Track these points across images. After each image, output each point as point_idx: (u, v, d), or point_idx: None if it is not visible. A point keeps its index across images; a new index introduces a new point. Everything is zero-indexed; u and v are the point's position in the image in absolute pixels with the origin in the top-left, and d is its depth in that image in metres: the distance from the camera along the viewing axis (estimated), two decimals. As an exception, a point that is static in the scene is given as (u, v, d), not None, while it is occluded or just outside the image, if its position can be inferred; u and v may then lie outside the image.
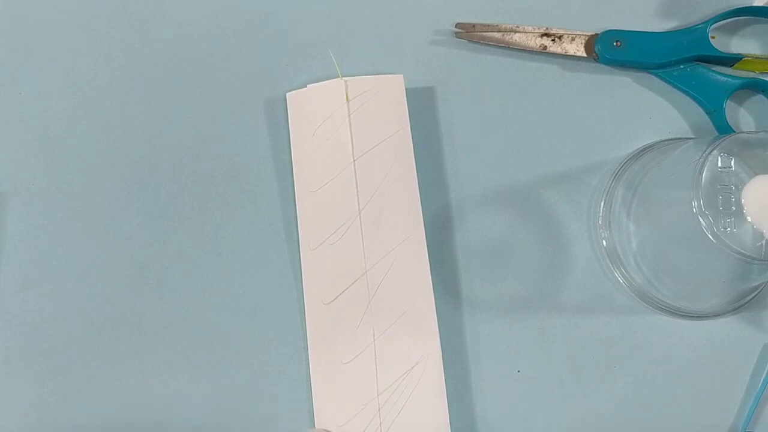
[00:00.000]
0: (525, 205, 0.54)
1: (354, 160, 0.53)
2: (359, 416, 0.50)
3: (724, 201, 0.44)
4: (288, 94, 0.54)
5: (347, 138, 0.53)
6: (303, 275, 0.52)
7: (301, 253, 0.52)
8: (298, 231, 0.53)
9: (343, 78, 0.54)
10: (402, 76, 0.54)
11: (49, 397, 0.52)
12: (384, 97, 0.54)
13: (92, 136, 0.55)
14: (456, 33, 0.56)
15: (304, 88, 0.54)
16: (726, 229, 0.44)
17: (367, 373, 0.51)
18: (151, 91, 0.55)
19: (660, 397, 0.52)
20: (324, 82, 0.54)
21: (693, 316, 0.52)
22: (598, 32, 0.55)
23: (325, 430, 0.50)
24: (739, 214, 0.44)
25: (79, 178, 0.54)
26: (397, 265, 0.52)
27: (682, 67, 0.55)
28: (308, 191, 0.53)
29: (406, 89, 0.54)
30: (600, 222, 0.53)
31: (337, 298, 0.51)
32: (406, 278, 0.52)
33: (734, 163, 0.45)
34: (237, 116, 0.55)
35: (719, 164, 0.45)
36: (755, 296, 0.52)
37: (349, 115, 0.53)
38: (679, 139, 0.54)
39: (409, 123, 0.53)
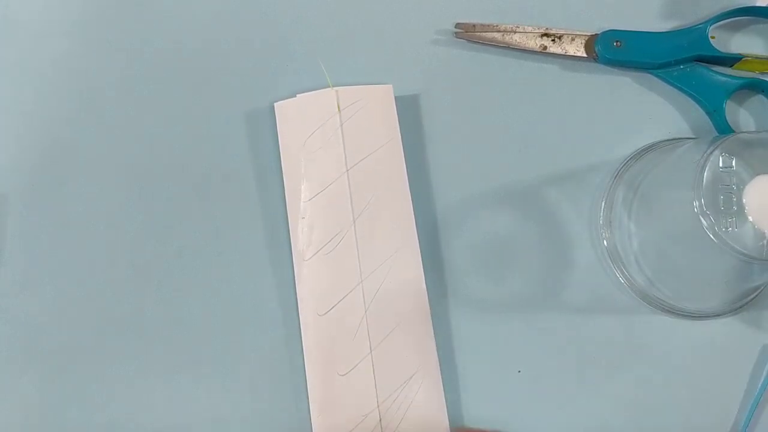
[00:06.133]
0: (526, 206, 0.54)
1: (347, 170, 0.53)
2: (360, 427, 0.50)
3: (726, 201, 0.44)
4: (276, 104, 0.54)
5: (340, 148, 0.53)
6: (296, 286, 0.52)
7: (294, 265, 0.52)
8: (289, 241, 0.53)
9: (334, 87, 0.54)
10: (391, 86, 0.54)
11: (49, 397, 0.52)
12: (374, 107, 0.54)
13: (92, 136, 0.55)
14: (456, 33, 0.56)
15: (293, 98, 0.54)
16: (727, 228, 0.44)
17: (365, 384, 0.51)
18: (149, 94, 0.55)
19: (660, 397, 0.52)
20: (313, 91, 0.54)
21: (694, 316, 0.52)
22: (598, 32, 0.55)
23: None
24: (741, 213, 0.44)
25: (79, 179, 0.54)
26: (392, 274, 0.52)
27: (682, 67, 0.55)
28: (300, 201, 0.53)
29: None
30: (601, 222, 0.53)
31: (332, 309, 0.51)
32: (401, 287, 0.52)
33: (735, 163, 0.45)
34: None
35: (720, 164, 0.44)
36: (756, 296, 0.53)
37: (341, 125, 0.53)
38: (680, 139, 0.54)
39: (399, 132, 0.53)
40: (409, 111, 0.55)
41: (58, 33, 0.56)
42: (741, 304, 0.52)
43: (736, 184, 0.44)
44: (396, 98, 0.54)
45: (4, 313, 0.52)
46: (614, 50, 0.55)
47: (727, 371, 0.52)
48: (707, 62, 0.55)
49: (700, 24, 0.55)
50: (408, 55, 0.56)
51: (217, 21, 0.57)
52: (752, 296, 0.52)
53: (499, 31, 0.56)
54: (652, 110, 0.56)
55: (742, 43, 0.57)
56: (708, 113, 0.55)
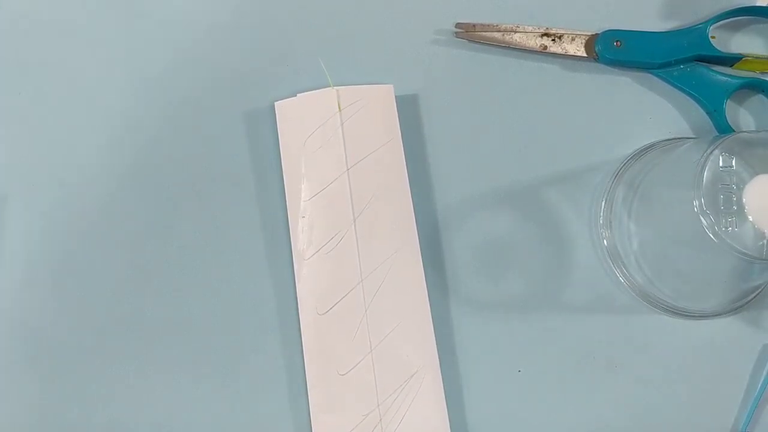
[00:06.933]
0: (526, 205, 0.54)
1: (348, 169, 0.53)
2: (360, 427, 0.50)
3: (726, 200, 0.44)
4: (276, 104, 0.54)
5: (340, 147, 0.53)
6: (296, 286, 0.52)
7: (294, 264, 0.52)
8: (289, 240, 0.53)
9: (334, 87, 0.54)
10: (392, 86, 0.54)
11: (49, 397, 0.52)
12: (375, 107, 0.54)
13: (92, 136, 0.55)
14: (456, 33, 0.56)
15: (294, 98, 0.54)
16: (727, 228, 0.44)
17: (365, 383, 0.50)
18: (149, 94, 0.55)
19: (660, 397, 0.52)
20: (314, 91, 0.54)
21: (694, 316, 0.52)
22: (598, 32, 0.55)
23: None
24: (741, 213, 0.44)
25: (79, 179, 0.54)
26: (392, 273, 0.52)
27: (682, 67, 0.55)
28: (301, 200, 0.53)
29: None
30: (601, 221, 0.53)
31: (332, 308, 0.51)
32: (401, 287, 0.52)
33: (735, 163, 0.45)
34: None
35: (720, 164, 0.44)
36: (756, 296, 0.52)
37: (342, 124, 0.53)
38: (680, 138, 0.54)
39: (400, 132, 0.53)
40: (409, 111, 0.55)
41: (57, 33, 0.56)
42: (741, 304, 0.52)
43: (736, 183, 0.44)
44: (396, 98, 0.54)
45: (5, 314, 0.52)
46: (614, 50, 0.55)
47: (727, 371, 0.52)
48: (707, 62, 0.55)
49: (700, 24, 0.55)
50: (408, 55, 0.56)
51: (217, 21, 0.57)
52: (752, 296, 0.52)
53: (499, 31, 0.56)
54: (652, 110, 0.56)
55: (742, 43, 0.57)
56: (708, 113, 0.55)
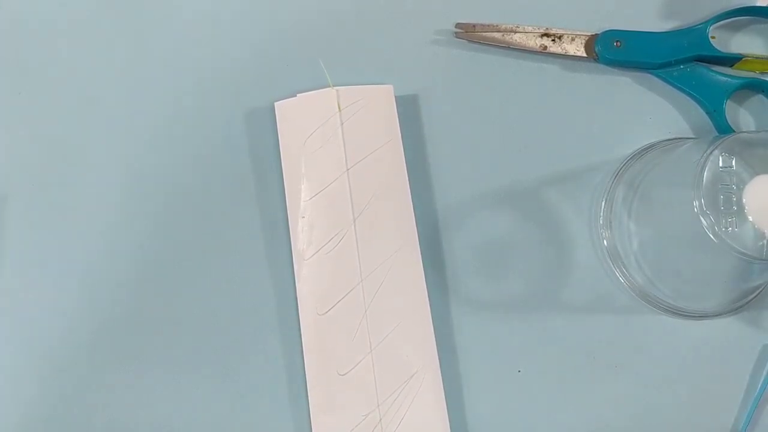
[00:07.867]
0: (525, 205, 0.54)
1: (347, 169, 0.53)
2: (360, 427, 0.50)
3: (726, 201, 0.44)
4: (276, 104, 0.54)
5: (340, 147, 0.53)
6: (296, 286, 0.52)
7: (294, 264, 0.52)
8: (289, 241, 0.53)
9: (334, 87, 0.54)
10: (392, 86, 0.54)
11: (49, 397, 0.51)
12: (374, 107, 0.54)
13: (92, 136, 0.55)
14: (456, 33, 0.56)
15: (293, 98, 0.54)
16: (727, 228, 0.44)
17: (365, 384, 0.50)
18: (149, 94, 0.55)
19: (660, 397, 0.52)
20: (314, 91, 0.54)
21: (694, 316, 0.52)
22: (598, 32, 0.55)
23: None
24: (741, 213, 0.44)
25: (79, 179, 0.54)
26: (392, 273, 0.52)
27: (682, 67, 0.55)
28: (301, 200, 0.53)
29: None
30: (601, 221, 0.53)
31: (332, 308, 0.51)
32: (401, 287, 0.51)
33: (735, 163, 0.45)
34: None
35: (720, 164, 0.44)
36: (756, 296, 0.53)
37: (342, 125, 0.53)
38: (680, 138, 0.54)
39: (399, 132, 0.53)
40: (409, 111, 0.55)
41: (57, 33, 0.56)
42: (741, 304, 0.52)
43: (736, 184, 0.44)
44: (396, 98, 0.54)
45: (5, 314, 0.52)
46: (614, 50, 0.55)
47: (727, 371, 0.52)
48: (707, 62, 0.55)
49: (700, 24, 0.55)
50: (408, 55, 0.56)
51: (218, 21, 0.57)
52: (752, 296, 0.52)
53: (499, 31, 0.56)
54: (652, 110, 0.56)
55: (742, 43, 0.57)
56: (708, 113, 0.55)
